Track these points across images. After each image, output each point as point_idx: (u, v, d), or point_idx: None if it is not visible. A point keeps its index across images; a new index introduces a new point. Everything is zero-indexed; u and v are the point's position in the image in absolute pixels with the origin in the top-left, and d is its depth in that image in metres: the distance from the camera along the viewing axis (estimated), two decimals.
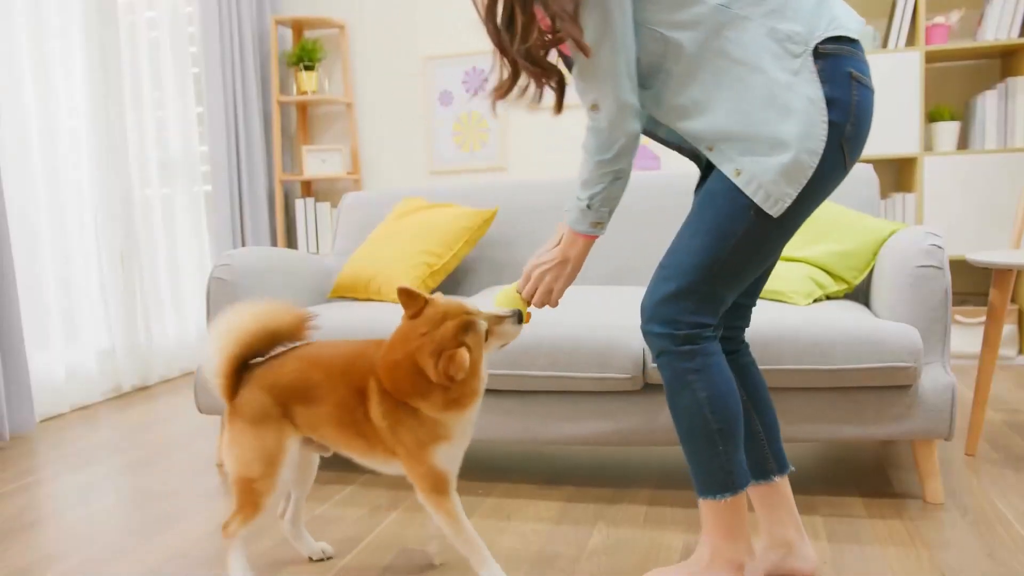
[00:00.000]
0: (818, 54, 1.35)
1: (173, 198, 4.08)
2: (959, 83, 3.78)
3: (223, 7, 4.17)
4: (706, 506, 1.49)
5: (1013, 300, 3.63)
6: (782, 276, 2.30)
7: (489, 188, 3.03)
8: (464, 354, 1.48)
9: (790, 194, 1.36)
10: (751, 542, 1.52)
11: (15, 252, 3.10)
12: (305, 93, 4.45)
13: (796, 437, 2.02)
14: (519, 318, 1.57)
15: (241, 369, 1.66)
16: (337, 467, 2.46)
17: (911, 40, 3.58)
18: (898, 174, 3.87)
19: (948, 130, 3.59)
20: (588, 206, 1.47)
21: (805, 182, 1.36)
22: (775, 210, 1.37)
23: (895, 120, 3.52)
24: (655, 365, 1.52)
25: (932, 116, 3.64)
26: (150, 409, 3.38)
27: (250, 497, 1.62)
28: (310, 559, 1.82)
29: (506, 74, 1.47)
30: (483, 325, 1.55)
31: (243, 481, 1.62)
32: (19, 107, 3.19)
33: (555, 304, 1.57)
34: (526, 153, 4.36)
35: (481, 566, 1.59)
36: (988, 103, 3.51)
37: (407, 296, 1.57)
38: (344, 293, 2.84)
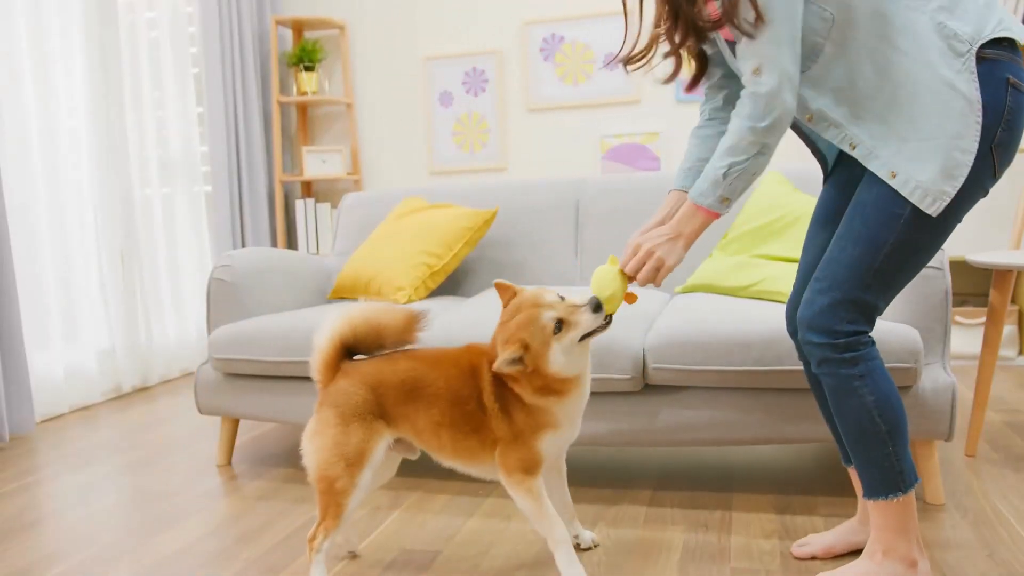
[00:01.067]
0: (980, 56, 1.36)
1: (173, 198, 4.08)
2: None
3: (223, 7, 4.17)
4: (877, 507, 1.50)
5: (1013, 301, 3.63)
6: (783, 277, 2.30)
7: (489, 188, 3.03)
8: (502, 355, 1.51)
9: (948, 192, 1.38)
10: (921, 539, 1.53)
11: (15, 252, 3.10)
12: (305, 93, 4.45)
13: (797, 437, 2.02)
14: (596, 306, 1.52)
15: (343, 358, 1.65)
16: None
17: None
18: None
19: None
20: (724, 175, 1.45)
21: (963, 180, 1.37)
22: (934, 209, 1.38)
23: None
24: (817, 372, 1.51)
25: None
26: (150, 409, 3.38)
27: (332, 498, 1.58)
28: (350, 553, 1.83)
29: (660, 45, 1.53)
30: (549, 317, 1.53)
31: (323, 480, 1.58)
32: (19, 107, 3.19)
33: (659, 283, 1.53)
34: (526, 153, 4.36)
35: (556, 548, 1.58)
36: None
37: (500, 288, 1.61)
38: (344, 294, 2.84)
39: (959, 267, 3.67)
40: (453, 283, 2.95)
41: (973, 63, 1.36)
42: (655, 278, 1.52)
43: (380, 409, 1.60)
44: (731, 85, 1.68)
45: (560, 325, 1.52)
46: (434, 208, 2.90)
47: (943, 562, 1.68)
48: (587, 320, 1.53)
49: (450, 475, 2.27)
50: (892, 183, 1.40)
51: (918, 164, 1.38)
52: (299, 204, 4.54)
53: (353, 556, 1.83)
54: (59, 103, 3.39)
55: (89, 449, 2.81)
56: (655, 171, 4.06)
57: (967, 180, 1.38)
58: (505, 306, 1.60)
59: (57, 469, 2.61)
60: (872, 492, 1.50)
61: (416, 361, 1.64)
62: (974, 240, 3.51)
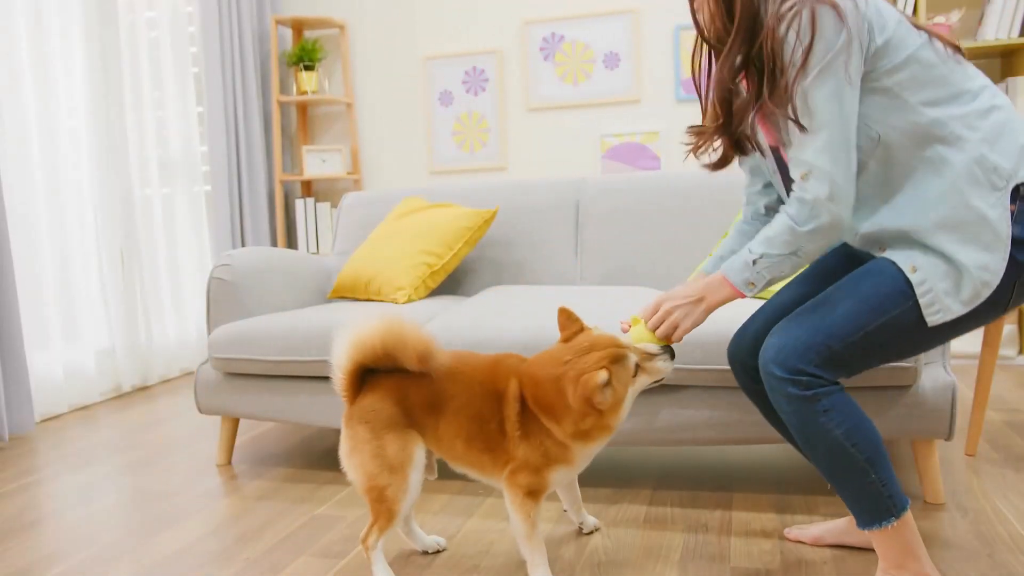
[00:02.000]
0: (1018, 194, 1.37)
1: (173, 198, 4.08)
2: None
3: (223, 7, 4.17)
4: (875, 536, 1.49)
5: None
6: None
7: (489, 188, 3.03)
8: (599, 376, 1.45)
9: (955, 312, 1.39)
10: (926, 554, 1.52)
11: (15, 252, 3.10)
12: (305, 93, 4.44)
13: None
14: (671, 355, 1.57)
15: (366, 372, 1.64)
16: (335, 468, 2.46)
17: None
18: None
19: None
20: (755, 262, 1.46)
21: (975, 306, 1.38)
22: (934, 319, 1.40)
23: None
24: (778, 408, 1.50)
25: None
26: (150, 409, 3.38)
27: (383, 505, 1.60)
28: (425, 552, 1.83)
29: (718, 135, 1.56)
30: (632, 359, 1.54)
31: (373, 490, 1.60)
32: (19, 107, 3.19)
33: (679, 340, 1.57)
34: (526, 153, 4.35)
35: (534, 571, 1.60)
36: None
37: (566, 318, 1.59)
38: (344, 293, 2.84)
39: None
40: (453, 283, 2.95)
41: (1008, 198, 1.36)
42: (674, 335, 1.56)
43: (408, 420, 1.62)
44: (772, 194, 1.73)
45: (637, 369, 1.54)
46: (434, 208, 2.90)
47: (943, 562, 1.68)
48: (662, 368, 1.56)
49: (450, 475, 2.27)
50: (911, 276, 1.40)
51: (939, 274, 1.39)
52: (299, 204, 4.54)
53: (437, 551, 1.84)
54: (59, 103, 3.39)
55: (89, 449, 2.81)
56: (655, 171, 4.06)
57: (979, 306, 1.39)
58: (567, 339, 1.57)
59: (57, 469, 2.61)
60: (864, 523, 1.49)
61: (442, 374, 1.63)
62: None
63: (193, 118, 4.16)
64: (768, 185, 1.72)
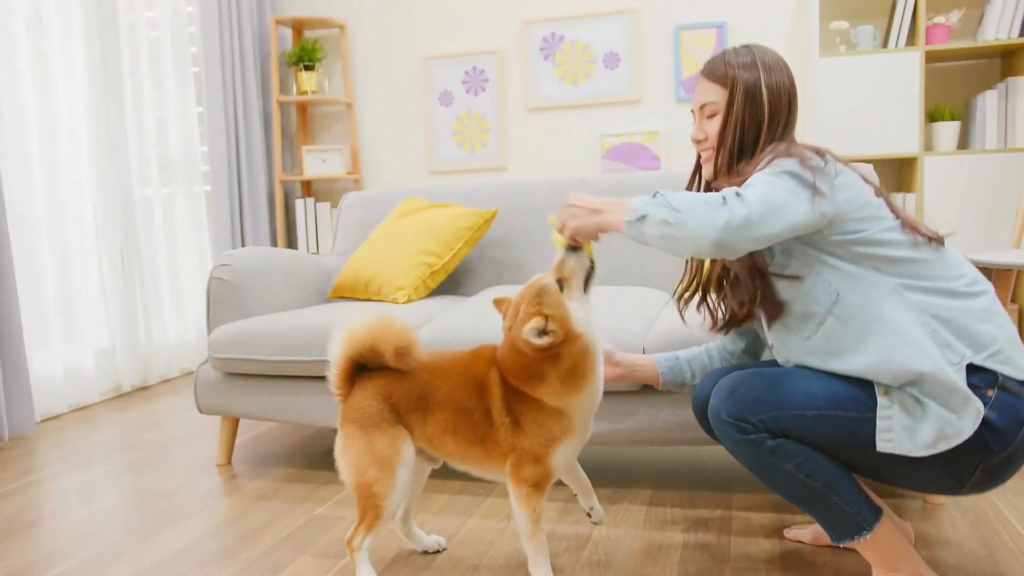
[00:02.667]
0: (996, 381, 1.37)
1: (173, 198, 4.08)
2: (959, 83, 3.78)
3: (223, 7, 4.17)
4: (855, 547, 1.50)
5: (1013, 300, 3.63)
6: None
7: (489, 188, 3.03)
8: (532, 322, 1.48)
9: (907, 450, 1.38)
10: (916, 555, 1.52)
11: (15, 252, 3.10)
12: (305, 93, 4.44)
13: None
14: (568, 249, 1.54)
15: (357, 371, 1.67)
16: (335, 468, 2.46)
17: (911, 40, 3.57)
18: (898, 174, 3.87)
19: (948, 130, 3.59)
20: (654, 195, 1.39)
21: (923, 456, 1.38)
22: (882, 445, 1.40)
23: (895, 120, 3.52)
24: (725, 447, 1.53)
25: (932, 116, 3.64)
26: (150, 409, 3.38)
27: (370, 501, 1.61)
28: (425, 552, 1.83)
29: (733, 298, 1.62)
30: (549, 280, 1.54)
31: (361, 486, 1.62)
32: (19, 107, 3.19)
33: (567, 239, 1.52)
34: (526, 153, 4.35)
35: (535, 570, 1.60)
36: (988, 103, 3.51)
37: (499, 304, 1.64)
38: (344, 293, 2.84)
39: None
40: (453, 282, 2.95)
41: (990, 380, 1.37)
42: (562, 230, 1.52)
43: (396, 416, 1.63)
44: (756, 339, 1.78)
45: (561, 283, 1.54)
46: (434, 208, 2.90)
47: (943, 562, 1.68)
48: (575, 263, 1.55)
49: (450, 475, 2.27)
50: (879, 397, 1.41)
51: (907, 407, 1.39)
52: (299, 204, 4.53)
53: (437, 551, 1.84)
54: (59, 103, 3.39)
55: (89, 449, 2.81)
56: (655, 170, 4.06)
57: (938, 456, 1.38)
58: (505, 314, 1.60)
59: (57, 469, 2.61)
60: (837, 538, 1.50)
61: (423, 370, 1.64)
62: (974, 239, 3.51)
63: (193, 118, 4.16)
64: (757, 333, 1.79)
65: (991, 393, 1.37)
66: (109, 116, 3.60)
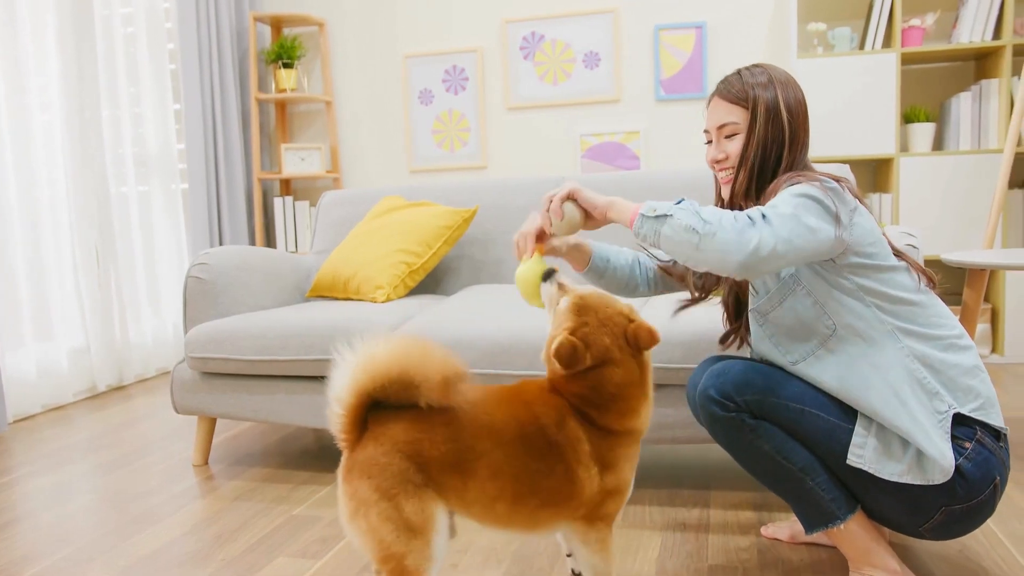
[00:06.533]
0: (975, 435, 1.41)
1: (150, 196, 4.04)
2: (934, 85, 3.83)
3: (200, 3, 4.13)
4: (828, 536, 1.53)
5: (986, 299, 3.68)
6: None
7: (469, 187, 3.02)
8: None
9: (875, 471, 1.41)
10: (890, 550, 1.55)
11: None
12: (284, 91, 4.42)
13: None
14: (546, 276, 1.50)
15: (369, 409, 1.32)
16: (313, 468, 2.45)
17: (887, 42, 3.61)
18: (875, 174, 3.91)
19: (924, 131, 3.63)
20: (680, 203, 1.37)
21: (894, 481, 1.41)
22: (851, 459, 1.43)
23: (872, 121, 3.55)
24: (706, 428, 1.57)
25: (908, 117, 3.68)
26: (126, 409, 3.35)
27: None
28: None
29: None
30: (575, 301, 1.41)
31: (391, 560, 1.27)
32: None
33: (551, 211, 1.51)
34: (506, 152, 4.35)
35: None
36: (963, 105, 3.55)
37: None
38: (323, 292, 2.83)
39: (934, 266, 3.71)
40: (432, 281, 2.95)
41: (950, 424, 1.40)
42: (550, 205, 1.51)
43: (423, 478, 1.29)
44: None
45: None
46: (413, 207, 2.90)
47: (941, 562, 1.70)
48: (560, 283, 1.49)
49: None
50: (859, 420, 1.45)
51: (878, 439, 1.42)
52: (277, 202, 4.51)
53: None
54: (32, 99, 3.34)
55: (63, 449, 2.78)
56: (635, 170, 4.07)
57: (904, 486, 1.42)
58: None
59: (31, 470, 2.57)
60: (810, 526, 1.52)
61: (462, 425, 1.32)
62: (949, 239, 3.55)
63: (170, 115, 4.12)
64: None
65: (968, 445, 1.40)
66: (84, 113, 3.55)
